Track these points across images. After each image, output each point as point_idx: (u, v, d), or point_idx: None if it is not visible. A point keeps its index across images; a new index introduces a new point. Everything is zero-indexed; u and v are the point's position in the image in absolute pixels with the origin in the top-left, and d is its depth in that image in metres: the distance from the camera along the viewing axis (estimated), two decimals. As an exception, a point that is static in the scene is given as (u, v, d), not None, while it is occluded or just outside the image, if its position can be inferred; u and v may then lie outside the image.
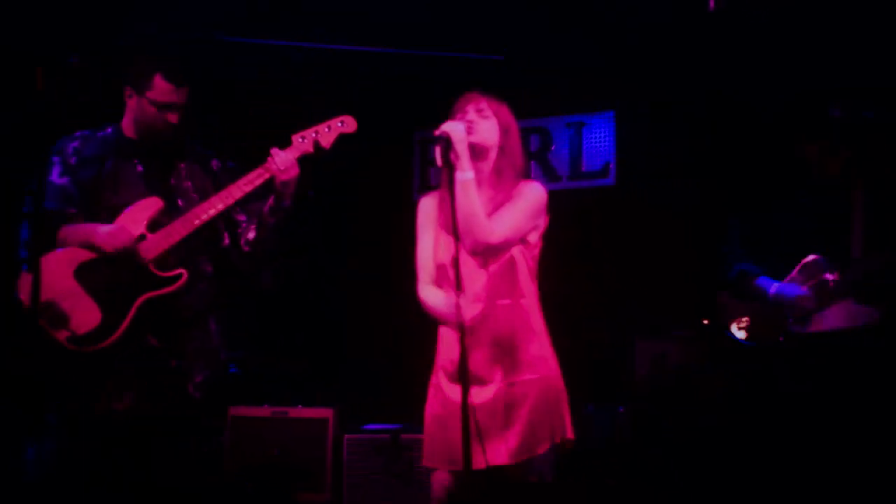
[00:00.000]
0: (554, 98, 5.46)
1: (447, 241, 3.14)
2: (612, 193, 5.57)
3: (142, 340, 3.47)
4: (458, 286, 2.94)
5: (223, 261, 3.72)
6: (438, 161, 3.10)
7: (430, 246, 3.28)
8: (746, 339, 3.92)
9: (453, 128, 3.10)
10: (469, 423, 2.86)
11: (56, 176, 3.58)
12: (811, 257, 3.82)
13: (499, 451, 3.11)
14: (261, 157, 3.59)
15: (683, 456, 4.56)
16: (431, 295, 3.24)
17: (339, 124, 3.62)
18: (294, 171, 3.56)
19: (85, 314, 3.39)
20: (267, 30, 5.18)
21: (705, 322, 4.76)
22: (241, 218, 3.70)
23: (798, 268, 3.84)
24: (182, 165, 3.68)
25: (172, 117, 3.57)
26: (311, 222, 5.28)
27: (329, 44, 5.27)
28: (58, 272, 3.41)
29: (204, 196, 3.61)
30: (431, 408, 3.25)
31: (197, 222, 3.51)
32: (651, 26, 5.00)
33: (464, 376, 2.89)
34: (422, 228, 3.34)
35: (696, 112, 5.27)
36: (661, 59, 5.21)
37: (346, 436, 4.87)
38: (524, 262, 3.23)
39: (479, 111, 3.23)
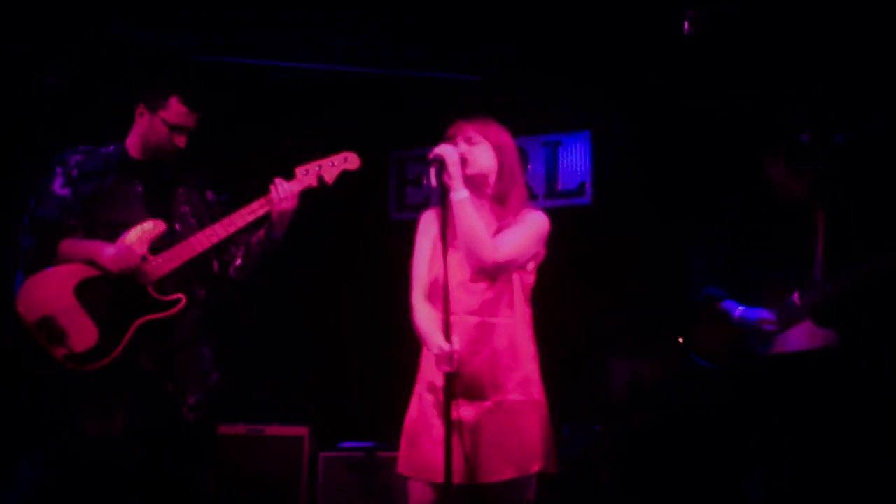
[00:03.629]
0: (530, 117, 5.49)
1: (449, 255, 3.17)
2: (588, 212, 5.59)
3: (136, 363, 3.48)
4: (448, 335, 3.03)
5: (213, 287, 3.74)
6: (433, 182, 3.16)
7: (425, 260, 3.32)
8: (709, 361, 3.96)
9: (446, 150, 3.16)
10: (451, 442, 2.94)
11: (58, 186, 3.56)
12: (776, 276, 3.86)
13: (478, 469, 3.12)
14: (240, 180, 3.59)
15: (660, 474, 4.58)
16: (424, 318, 3.25)
17: (344, 160, 3.69)
18: (292, 203, 3.60)
19: (82, 333, 3.38)
20: (243, 49, 5.18)
21: (680, 341, 4.79)
22: (231, 246, 3.72)
23: (763, 288, 3.88)
24: (181, 190, 3.71)
25: (180, 140, 3.62)
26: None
27: (305, 63, 5.28)
28: (58, 288, 3.41)
29: (200, 222, 3.66)
30: (412, 417, 3.26)
31: (199, 248, 3.56)
32: (626, 47, 5.05)
33: (447, 416, 2.98)
34: (420, 240, 3.37)
35: (672, 132, 5.31)
36: (636, 79, 5.25)
37: (322, 454, 4.86)
38: (520, 286, 3.28)
39: (468, 139, 3.27)
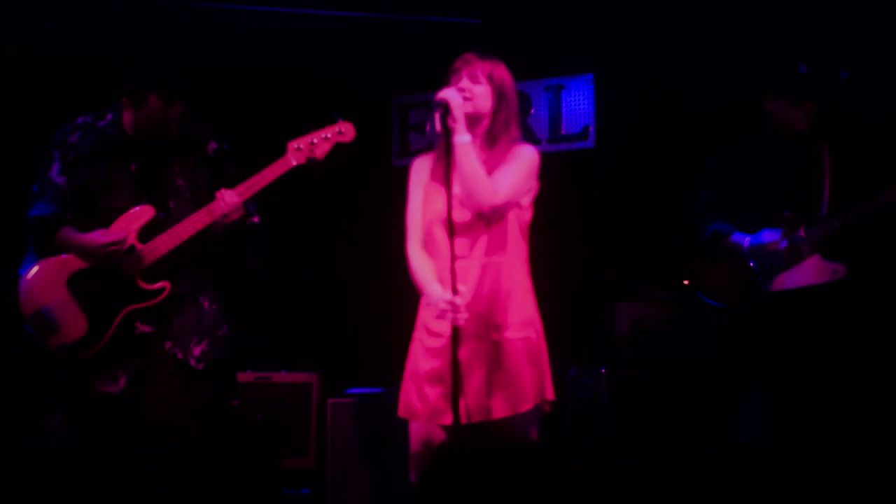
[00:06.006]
0: (532, 61, 5.44)
1: (438, 194, 3.20)
2: (592, 156, 5.57)
3: (132, 329, 3.61)
4: (454, 287, 3.06)
5: (211, 244, 3.77)
6: (437, 127, 3.17)
7: (419, 205, 3.35)
8: (717, 300, 3.97)
9: (450, 94, 3.18)
10: (458, 392, 2.98)
11: (56, 173, 3.68)
12: (783, 215, 3.85)
13: (481, 408, 3.18)
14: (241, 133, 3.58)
15: (665, 418, 4.62)
16: (420, 267, 3.30)
17: (338, 133, 3.63)
18: (237, 216, 3.60)
19: (73, 324, 3.55)
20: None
21: (685, 283, 4.79)
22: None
23: (770, 227, 3.88)
24: (176, 160, 3.74)
25: (168, 129, 3.67)
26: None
27: (306, 8, 5.23)
28: (52, 280, 3.58)
29: (195, 192, 3.71)
30: (411, 362, 3.32)
31: (181, 238, 3.61)
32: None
33: (455, 366, 3.00)
34: (413, 188, 3.40)
35: (676, 73, 5.27)
36: (638, 21, 5.20)
37: (330, 400, 4.90)
38: (516, 223, 3.30)
39: (472, 77, 3.27)
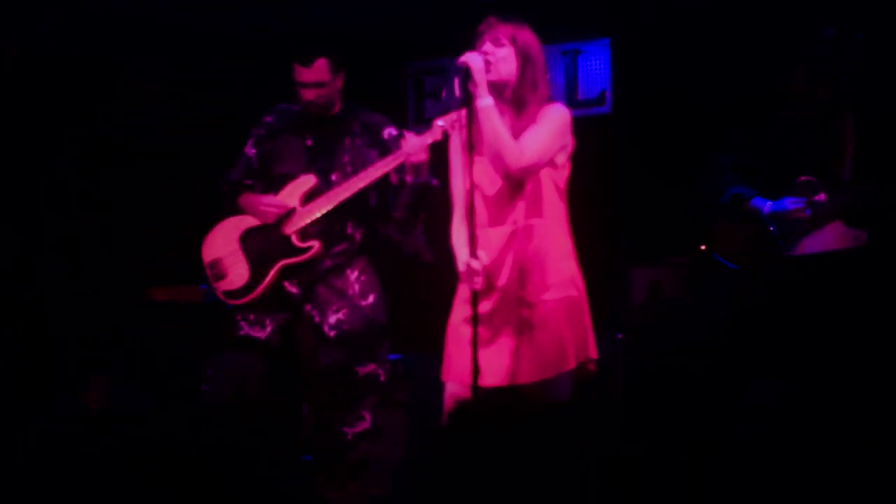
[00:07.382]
0: (548, 26, 5.39)
1: (477, 165, 3.20)
2: (609, 121, 5.55)
3: (283, 288, 4.12)
4: (473, 251, 3.12)
5: (369, 222, 4.20)
6: (457, 92, 3.16)
7: (459, 176, 3.37)
8: (734, 261, 3.96)
9: (472, 58, 3.15)
10: (476, 354, 3.03)
11: (249, 146, 4.25)
12: (803, 178, 3.83)
13: (510, 373, 3.20)
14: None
15: (678, 383, 4.62)
16: (457, 236, 3.34)
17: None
18: (423, 156, 3.83)
19: (238, 273, 4.12)
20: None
21: (701, 248, 4.78)
22: (394, 181, 4.00)
23: (792, 189, 3.86)
24: (347, 140, 4.15)
25: (331, 104, 4.12)
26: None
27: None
28: (227, 235, 4.18)
29: (358, 170, 4.04)
30: (450, 326, 3.35)
31: (337, 200, 4.01)
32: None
33: (475, 335, 3.06)
34: (452, 160, 3.42)
35: (693, 37, 5.23)
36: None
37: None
38: (551, 184, 3.29)
39: (495, 41, 3.24)
